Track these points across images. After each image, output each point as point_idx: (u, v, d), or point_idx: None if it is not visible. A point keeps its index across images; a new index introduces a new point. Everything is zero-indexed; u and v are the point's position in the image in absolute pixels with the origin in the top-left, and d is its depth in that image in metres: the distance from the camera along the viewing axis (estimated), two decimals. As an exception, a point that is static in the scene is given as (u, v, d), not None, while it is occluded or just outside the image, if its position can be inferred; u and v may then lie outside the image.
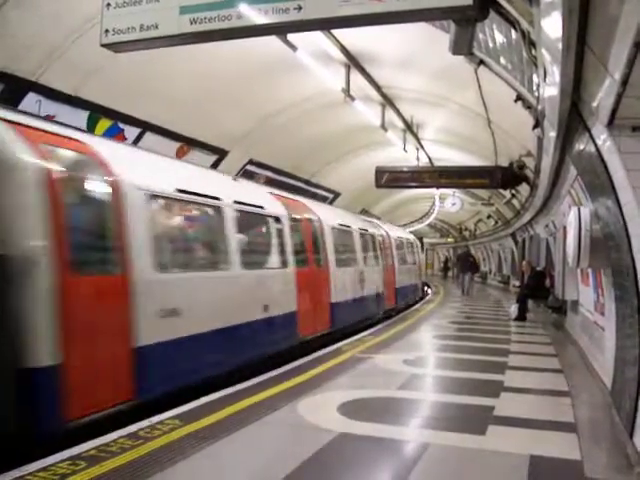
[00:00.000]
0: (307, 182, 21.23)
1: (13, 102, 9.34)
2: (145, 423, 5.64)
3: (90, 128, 10.81)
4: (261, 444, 5.39)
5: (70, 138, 6.37)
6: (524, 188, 16.90)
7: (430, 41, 9.80)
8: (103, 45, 5.42)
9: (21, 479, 4.31)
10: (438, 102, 14.74)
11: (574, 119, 6.16)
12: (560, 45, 4.17)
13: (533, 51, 6.24)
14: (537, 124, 8.58)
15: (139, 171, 7.07)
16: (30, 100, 9.67)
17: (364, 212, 27.34)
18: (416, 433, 5.87)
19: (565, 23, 3.82)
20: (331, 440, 5.33)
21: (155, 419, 5.78)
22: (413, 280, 24.26)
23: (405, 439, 5.65)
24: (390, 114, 15.86)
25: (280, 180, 18.59)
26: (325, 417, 6.08)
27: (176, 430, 5.48)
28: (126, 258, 6.19)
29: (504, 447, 5.30)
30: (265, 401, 6.69)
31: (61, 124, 7.22)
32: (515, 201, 21.67)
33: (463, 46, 5.64)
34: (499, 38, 7.69)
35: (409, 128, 17.47)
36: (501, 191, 21.78)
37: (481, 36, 7.96)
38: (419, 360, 9.85)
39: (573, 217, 7.70)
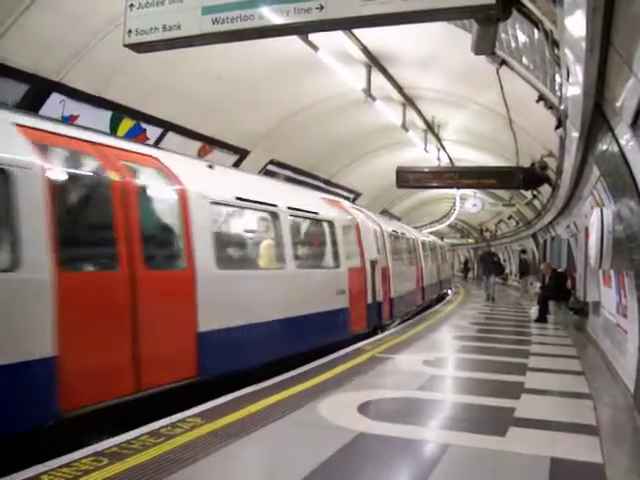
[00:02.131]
0: (327, 182, 21.25)
1: (38, 102, 9.46)
2: (166, 421, 5.67)
3: (113, 128, 10.92)
4: (281, 443, 5.40)
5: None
6: (545, 189, 16.79)
7: (451, 41, 9.78)
8: (126, 45, 5.45)
9: (45, 474, 4.35)
10: (459, 102, 14.69)
11: (597, 119, 6.10)
12: (584, 44, 4.13)
13: (556, 51, 6.20)
14: (559, 124, 8.52)
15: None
16: (54, 100, 9.79)
17: (384, 212, 27.31)
18: (436, 434, 5.84)
19: (589, 22, 3.80)
20: (351, 440, 5.33)
21: (176, 417, 5.81)
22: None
23: (425, 439, 5.63)
24: (411, 114, 15.84)
25: (300, 180, 18.61)
26: (345, 417, 6.08)
27: (197, 428, 5.51)
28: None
29: (525, 449, 5.26)
30: (286, 400, 6.70)
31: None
32: (536, 202, 21.53)
33: (486, 46, 5.62)
34: (521, 38, 7.65)
35: (430, 128, 17.44)
36: (522, 192, 21.65)
37: (503, 36, 7.93)
38: (439, 361, 9.81)
39: (595, 218, 7.64)
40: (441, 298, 25.76)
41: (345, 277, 11.30)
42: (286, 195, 10.76)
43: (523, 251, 32.49)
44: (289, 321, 9.14)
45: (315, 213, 11.04)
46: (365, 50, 11.49)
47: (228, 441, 5.21)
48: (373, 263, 13.03)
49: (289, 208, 9.75)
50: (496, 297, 23.35)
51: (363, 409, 6.38)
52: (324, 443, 5.33)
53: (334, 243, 11.35)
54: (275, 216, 9.42)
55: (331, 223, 11.33)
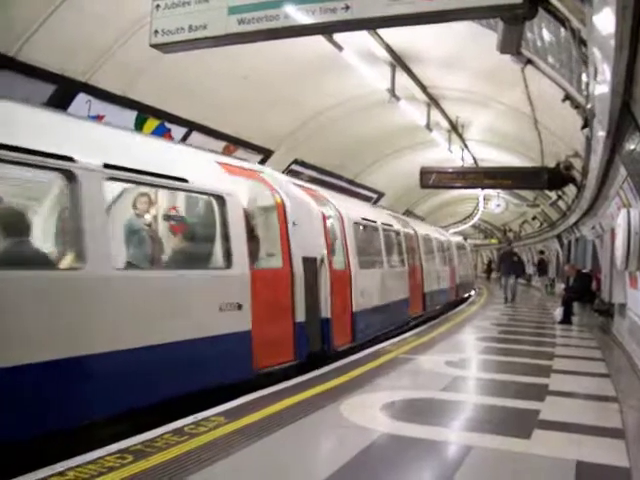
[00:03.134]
0: (351, 182, 21.26)
1: (65, 102, 9.55)
2: (190, 419, 5.70)
3: (138, 127, 11.01)
4: (304, 443, 5.40)
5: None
6: (570, 189, 16.67)
7: (476, 40, 9.74)
8: (152, 45, 5.49)
9: (72, 470, 4.39)
10: (483, 102, 14.63)
11: (625, 118, 6.04)
12: (613, 42, 4.09)
13: (583, 49, 6.14)
14: (586, 124, 8.44)
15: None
16: (80, 100, 9.89)
17: (408, 213, 27.23)
18: (460, 435, 5.80)
19: (619, 20, 3.75)
20: (374, 440, 5.31)
21: (200, 415, 5.83)
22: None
23: (449, 441, 5.59)
24: (435, 114, 15.77)
25: (324, 180, 18.62)
26: (368, 417, 6.06)
27: (220, 427, 5.52)
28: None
29: (550, 452, 5.20)
30: (308, 400, 6.70)
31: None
32: (561, 202, 21.37)
33: (511, 45, 5.57)
34: (547, 36, 7.59)
35: (454, 128, 17.38)
36: (547, 192, 21.50)
37: (529, 35, 7.87)
38: (462, 362, 9.75)
39: (622, 219, 7.57)
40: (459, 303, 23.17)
41: (243, 284, 7.33)
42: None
43: (541, 252, 32.30)
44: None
45: (181, 181, 6.75)
46: (389, 49, 11.46)
47: (251, 440, 5.21)
48: (312, 263, 9.16)
49: (107, 167, 5.70)
50: (516, 299, 22.27)
51: (386, 410, 6.36)
52: (347, 443, 5.32)
53: (224, 232, 7.36)
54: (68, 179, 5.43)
55: (220, 200, 7.27)
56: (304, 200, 9.69)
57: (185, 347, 6.27)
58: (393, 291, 13.87)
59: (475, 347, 11.69)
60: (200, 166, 7.56)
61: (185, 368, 6.29)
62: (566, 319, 15.42)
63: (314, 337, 9.10)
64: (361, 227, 12.54)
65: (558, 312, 15.77)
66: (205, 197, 7.55)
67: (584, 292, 16.32)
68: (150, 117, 11.38)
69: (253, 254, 7.83)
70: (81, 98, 9.90)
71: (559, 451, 5.23)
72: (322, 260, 9.49)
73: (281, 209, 8.57)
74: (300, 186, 10.26)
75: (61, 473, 4.35)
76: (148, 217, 7.12)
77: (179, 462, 4.62)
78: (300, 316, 8.56)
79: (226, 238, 7.27)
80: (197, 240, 7.80)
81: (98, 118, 10.22)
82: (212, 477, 4.49)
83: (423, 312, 16.98)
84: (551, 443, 5.48)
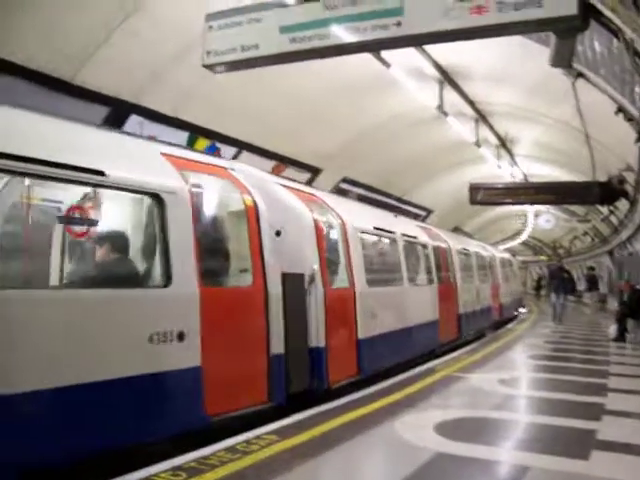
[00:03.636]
0: (399, 199, 21.23)
1: (118, 124, 9.76)
2: (242, 437, 5.70)
3: (189, 147, 11.16)
4: (358, 462, 5.36)
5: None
6: (623, 204, 16.33)
7: (524, 54, 9.68)
8: (205, 66, 5.59)
9: (125, 488, 4.42)
10: (532, 117, 14.48)
11: (682, 130, 5.91)
12: (670, 53, 4.01)
13: (637, 60, 6.03)
14: (640, 137, 8.29)
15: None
16: (133, 122, 10.09)
17: (456, 229, 27.01)
18: (515, 455, 5.68)
19: (677, 30, 3.68)
20: (429, 459, 5.23)
21: (252, 434, 5.83)
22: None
23: (504, 461, 5.49)
24: (483, 130, 15.66)
25: (373, 197, 18.62)
26: (422, 436, 5.98)
27: (273, 445, 5.51)
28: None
29: (610, 474, 5.04)
30: (362, 419, 6.65)
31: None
32: (613, 218, 20.96)
33: (564, 58, 5.52)
34: (599, 48, 7.48)
35: (503, 144, 17.23)
36: (598, 207, 21.12)
37: (579, 47, 7.77)
38: (514, 380, 9.58)
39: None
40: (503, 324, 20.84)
41: (187, 306, 5.65)
42: None
43: (591, 267, 31.65)
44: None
45: (94, 174, 5.07)
46: (437, 66, 11.45)
47: (303, 459, 5.18)
48: (298, 280, 7.57)
49: None
50: (564, 317, 20.38)
51: (439, 429, 6.26)
52: (401, 463, 5.27)
53: (161, 240, 5.67)
54: None
55: (157, 199, 5.64)
56: (289, 204, 8.07)
57: (85, 392, 4.63)
58: (417, 313, 11.84)
59: (527, 365, 11.49)
60: (134, 157, 5.96)
61: (87, 420, 4.69)
62: (620, 336, 15.06)
63: (299, 372, 7.24)
64: (372, 238, 10.90)
65: (612, 329, 15.43)
66: (134, 196, 5.80)
67: (639, 309, 15.93)
68: (200, 137, 11.56)
69: (215, 269, 6.41)
70: (133, 119, 10.12)
71: (620, 473, 5.09)
72: (312, 277, 7.71)
73: (252, 214, 6.80)
74: (289, 187, 8.54)
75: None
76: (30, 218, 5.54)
77: (233, 480, 4.63)
78: (277, 346, 6.70)
79: (163, 248, 5.57)
80: (115, 250, 5.69)
81: (150, 138, 10.42)
82: (266, 495, 4.48)
83: (457, 336, 14.64)
84: (611, 465, 5.33)
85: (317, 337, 7.64)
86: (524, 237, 43.26)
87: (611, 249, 27.21)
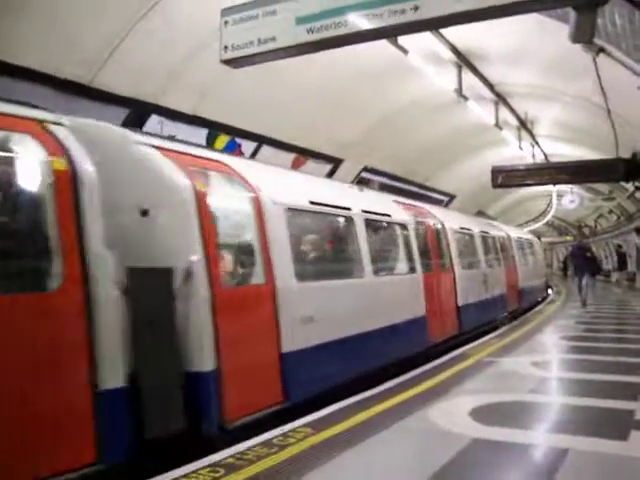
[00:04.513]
0: (421, 186, 21.17)
1: (138, 125, 9.80)
2: (278, 431, 5.70)
3: (210, 144, 11.21)
4: (395, 451, 5.33)
5: None
6: (649, 180, 16.10)
7: (541, 32, 9.56)
8: (223, 61, 5.57)
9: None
10: (552, 95, 14.31)
11: None
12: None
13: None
14: (665, 110, 8.14)
15: None
16: (153, 121, 10.15)
17: (479, 213, 26.84)
18: (553, 438, 5.63)
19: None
20: (465, 446, 5.20)
21: (287, 427, 5.83)
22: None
23: (542, 444, 5.44)
24: (503, 111, 15.53)
25: (395, 185, 18.56)
26: (457, 422, 5.94)
27: (308, 438, 5.51)
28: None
29: (651, 453, 5.00)
30: (396, 407, 6.63)
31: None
32: (639, 194, 20.67)
33: (585, 34, 5.38)
34: (620, 21, 7.34)
35: (523, 125, 17.06)
36: (623, 184, 20.84)
37: (599, 21, 7.63)
38: (548, 363, 9.52)
39: None
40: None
41: None
42: None
43: (619, 245, 31.40)
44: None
45: None
46: (454, 49, 11.33)
47: (340, 451, 5.17)
48: (159, 277, 5.55)
49: None
50: (588, 301, 18.50)
51: (474, 414, 6.23)
52: (437, 450, 5.24)
53: None
54: None
55: None
56: (162, 173, 5.92)
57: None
58: (388, 310, 9.29)
59: (559, 347, 11.39)
60: None
61: None
62: (652, 314, 14.90)
63: (163, 409, 5.25)
64: (308, 216, 8.33)
65: (644, 307, 15.26)
66: None
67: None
68: (221, 134, 11.57)
69: None
70: (153, 119, 10.15)
71: (661, 452, 5.02)
72: (189, 272, 5.61)
73: (66, 183, 4.71)
74: (169, 151, 6.32)
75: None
76: None
77: (270, 475, 4.63)
78: (109, 376, 4.68)
79: None
80: None
81: (170, 137, 10.45)
82: (305, 489, 4.47)
83: (459, 331, 12.54)
84: (652, 444, 5.26)
85: (200, 357, 5.53)
86: (548, 218, 42.85)
87: (638, 226, 26.87)
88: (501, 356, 9.92)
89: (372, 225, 9.52)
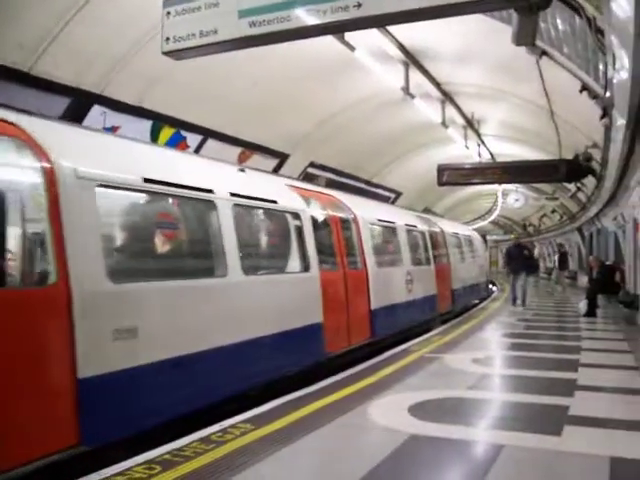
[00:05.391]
0: (368, 182, 21.23)
1: (80, 115, 9.57)
2: (217, 427, 5.66)
3: (153, 137, 11.02)
4: (333, 447, 5.34)
5: None
6: (590, 181, 16.49)
7: (488, 33, 9.67)
8: (164, 53, 5.48)
9: (98, 483, 4.32)
10: (499, 96, 14.53)
11: (646, 106, 5.93)
12: (632, 29, 4.00)
13: (599, 37, 6.05)
14: (604, 114, 8.33)
15: None
16: (95, 112, 9.90)
17: (426, 211, 27.10)
18: (489, 434, 5.72)
19: (638, 5, 3.67)
20: (403, 442, 5.24)
21: (227, 423, 5.80)
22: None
23: (479, 440, 5.51)
24: (450, 110, 15.69)
25: (341, 182, 18.58)
26: (396, 419, 5.99)
27: (247, 434, 5.48)
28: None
29: (582, 448, 5.11)
30: (335, 403, 6.64)
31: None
32: (581, 194, 21.15)
33: (527, 36, 5.47)
34: (562, 26, 7.49)
35: (470, 124, 17.27)
36: (566, 185, 21.31)
37: (542, 25, 7.76)
38: (488, 359, 9.65)
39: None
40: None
41: None
42: None
43: (561, 245, 32.12)
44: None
45: None
46: (402, 47, 11.39)
47: (279, 447, 5.16)
48: None
49: None
50: (527, 302, 18.40)
51: (414, 410, 6.28)
52: (375, 446, 5.28)
53: None
54: None
55: None
56: None
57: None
58: (264, 317, 7.52)
59: (500, 344, 11.58)
60: None
61: None
62: (591, 312, 15.25)
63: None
64: (130, 197, 6.22)
65: (582, 305, 15.61)
66: None
67: (608, 284, 16.15)
68: (165, 126, 11.39)
69: None
70: (96, 110, 9.92)
71: (592, 447, 5.14)
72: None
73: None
74: None
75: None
76: None
77: (207, 471, 4.59)
78: None
79: None
80: None
81: (114, 129, 10.24)
82: (242, 485, 4.44)
83: (371, 339, 10.77)
84: (583, 439, 5.40)
85: None
86: (494, 216, 43.54)
87: (580, 226, 27.51)
88: (443, 352, 10.03)
89: (247, 213, 8.05)
